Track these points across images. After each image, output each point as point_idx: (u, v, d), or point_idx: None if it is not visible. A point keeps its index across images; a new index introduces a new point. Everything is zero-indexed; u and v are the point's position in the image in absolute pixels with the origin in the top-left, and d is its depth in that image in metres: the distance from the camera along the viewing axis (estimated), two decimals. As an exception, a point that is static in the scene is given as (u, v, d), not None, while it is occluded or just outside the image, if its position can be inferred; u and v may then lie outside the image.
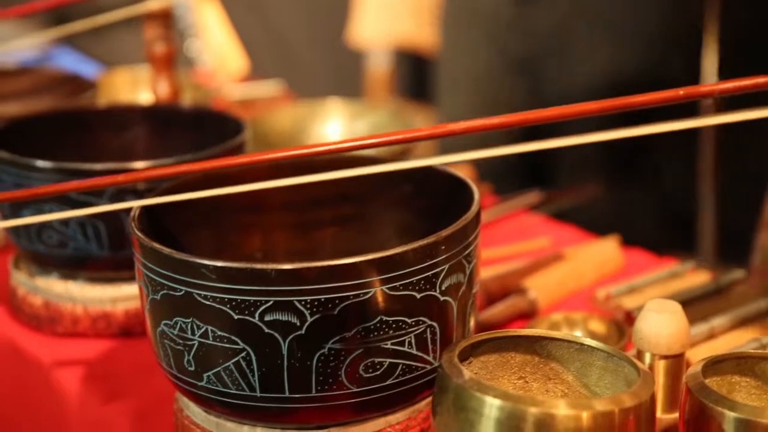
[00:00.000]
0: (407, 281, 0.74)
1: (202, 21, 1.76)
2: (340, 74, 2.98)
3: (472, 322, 0.81)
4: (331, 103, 1.44)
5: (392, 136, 0.75)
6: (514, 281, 1.06)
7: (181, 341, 0.76)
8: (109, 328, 1.02)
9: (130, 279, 1.02)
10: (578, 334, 0.96)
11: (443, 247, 0.75)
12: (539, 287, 1.04)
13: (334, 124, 1.42)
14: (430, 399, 0.80)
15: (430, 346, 0.76)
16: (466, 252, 0.78)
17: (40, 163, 0.99)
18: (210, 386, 0.76)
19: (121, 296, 1.02)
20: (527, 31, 1.67)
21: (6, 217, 1.02)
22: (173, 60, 1.29)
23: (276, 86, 1.76)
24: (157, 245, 0.75)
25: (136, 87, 1.56)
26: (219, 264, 0.72)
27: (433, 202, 0.90)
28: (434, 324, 0.76)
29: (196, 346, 0.75)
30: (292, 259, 0.94)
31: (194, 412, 0.82)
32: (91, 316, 1.02)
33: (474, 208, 0.80)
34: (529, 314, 1.03)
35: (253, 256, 0.93)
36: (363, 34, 2.68)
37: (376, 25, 2.66)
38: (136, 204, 0.82)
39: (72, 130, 1.16)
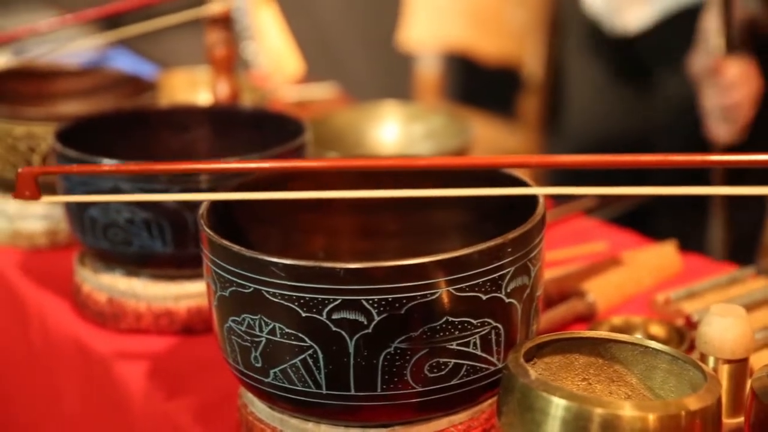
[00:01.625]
0: (473, 282, 0.74)
1: (258, 23, 1.78)
2: (390, 77, 2.99)
3: (535, 325, 0.82)
4: (387, 106, 1.45)
5: (495, 160, 0.76)
6: (573, 284, 1.06)
7: (248, 338, 0.77)
8: (171, 325, 1.03)
9: (193, 277, 1.03)
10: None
11: (509, 249, 0.76)
12: (598, 290, 1.05)
13: (390, 127, 1.43)
14: (492, 400, 0.81)
15: (494, 348, 0.77)
16: (532, 254, 0.78)
17: (106, 162, 1.00)
18: (276, 383, 0.77)
19: (184, 294, 1.03)
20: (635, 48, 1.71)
21: (72, 213, 1.04)
22: (233, 62, 1.31)
23: (330, 88, 1.77)
24: (226, 242, 0.76)
25: (194, 88, 1.58)
26: (288, 262, 0.73)
27: (496, 205, 0.90)
28: (499, 325, 0.77)
29: (263, 343, 0.76)
30: (355, 259, 0.95)
31: (259, 408, 0.83)
32: (154, 312, 1.03)
33: (539, 210, 0.80)
34: (587, 317, 1.04)
35: (316, 255, 0.94)
36: (413, 37, 2.69)
37: (426, 28, 2.67)
38: (207, 197, 0.83)
39: (135, 129, 1.18)
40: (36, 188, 0.79)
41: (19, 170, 0.79)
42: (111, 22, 1.89)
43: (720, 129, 1.55)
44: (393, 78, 2.97)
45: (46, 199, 0.81)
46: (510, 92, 2.71)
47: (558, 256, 1.17)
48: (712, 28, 1.50)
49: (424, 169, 0.78)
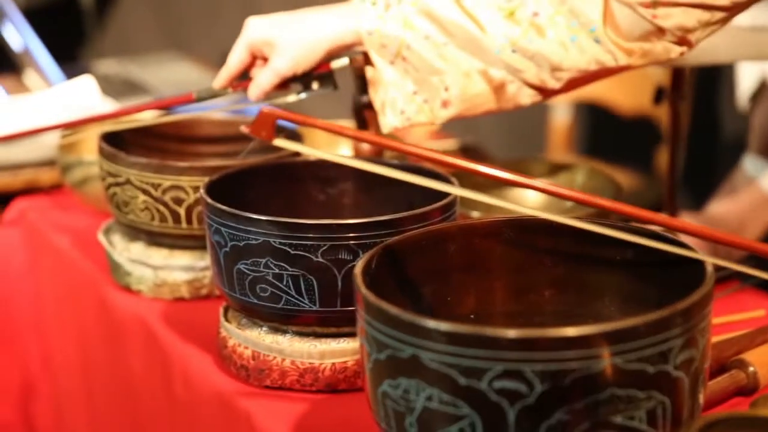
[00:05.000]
0: (641, 354, 0.71)
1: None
2: (523, 127, 2.96)
3: (701, 398, 0.78)
4: (530, 162, 1.43)
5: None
6: (732, 354, 1.01)
7: (403, 403, 0.75)
8: (315, 383, 1.02)
9: (338, 335, 1.02)
10: (806, 415, 0.91)
11: (679, 320, 0.72)
12: (760, 362, 0.99)
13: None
14: (656, 477, 0.77)
15: (660, 422, 0.74)
16: (701, 325, 0.75)
17: (254, 216, 1.00)
18: (431, 450, 0.75)
19: (329, 352, 1.02)
20: None
21: (220, 266, 1.04)
22: (378, 117, 1.30)
23: (465, 142, 1.75)
24: (385, 305, 0.75)
25: (335, 141, 1.58)
26: (449, 328, 0.71)
27: (654, 268, 0.87)
28: (665, 399, 0.73)
29: (419, 409, 0.74)
30: (508, 321, 0.93)
31: (410, 475, 0.81)
32: (298, 369, 1.02)
33: (709, 280, 0.77)
34: (748, 390, 0.98)
35: (467, 316, 0.92)
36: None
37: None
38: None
39: (280, 182, 1.18)
40: (273, 130, 0.85)
41: (262, 109, 0.85)
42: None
43: None
44: (526, 128, 2.94)
45: (278, 141, 0.86)
46: (645, 145, 2.65)
47: (713, 322, 1.12)
48: None
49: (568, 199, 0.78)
